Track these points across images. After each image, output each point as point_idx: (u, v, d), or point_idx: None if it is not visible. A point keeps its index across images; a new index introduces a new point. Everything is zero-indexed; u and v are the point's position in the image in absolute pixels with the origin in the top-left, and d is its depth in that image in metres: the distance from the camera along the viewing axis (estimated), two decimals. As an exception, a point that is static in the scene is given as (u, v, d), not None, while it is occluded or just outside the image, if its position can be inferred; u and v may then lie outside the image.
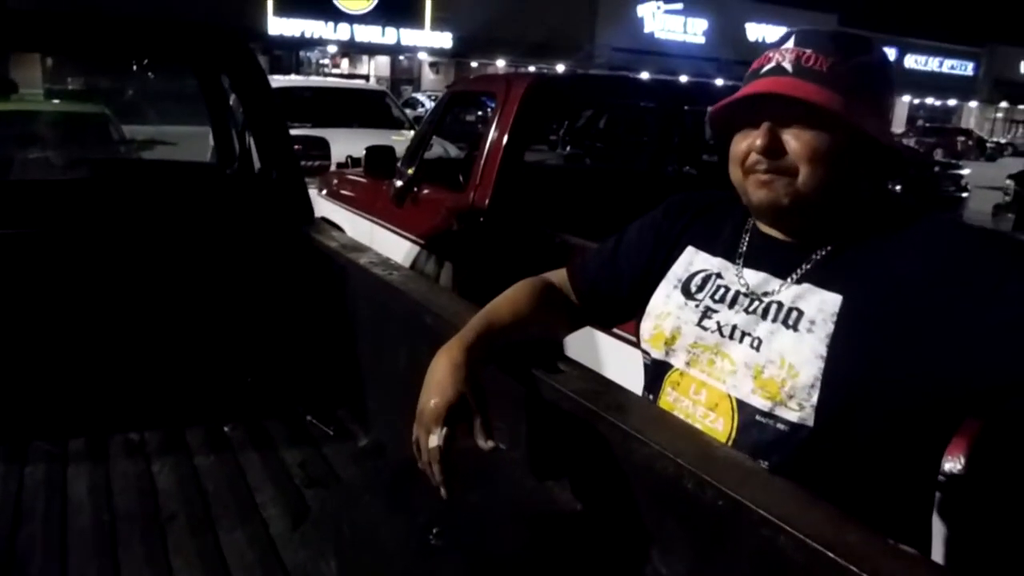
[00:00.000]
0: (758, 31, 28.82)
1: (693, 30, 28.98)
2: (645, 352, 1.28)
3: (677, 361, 1.21)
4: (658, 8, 28.11)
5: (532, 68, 22.19)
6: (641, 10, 27.88)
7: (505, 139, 3.27)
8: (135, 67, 20.89)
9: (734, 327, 1.15)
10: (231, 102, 3.62)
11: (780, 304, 1.12)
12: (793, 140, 1.08)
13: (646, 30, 28.03)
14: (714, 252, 1.24)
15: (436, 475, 1.17)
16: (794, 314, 1.10)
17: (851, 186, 1.11)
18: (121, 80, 20.97)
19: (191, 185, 3.07)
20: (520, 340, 1.35)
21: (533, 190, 3.36)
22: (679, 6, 28.16)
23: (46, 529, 1.97)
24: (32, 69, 18.01)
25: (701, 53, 27.78)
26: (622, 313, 1.41)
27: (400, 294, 1.91)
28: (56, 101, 11.66)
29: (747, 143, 1.12)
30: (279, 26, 22.01)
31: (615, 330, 2.13)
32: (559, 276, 1.44)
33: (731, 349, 1.14)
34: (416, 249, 3.80)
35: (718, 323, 1.17)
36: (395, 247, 3.93)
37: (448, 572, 1.37)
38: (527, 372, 1.34)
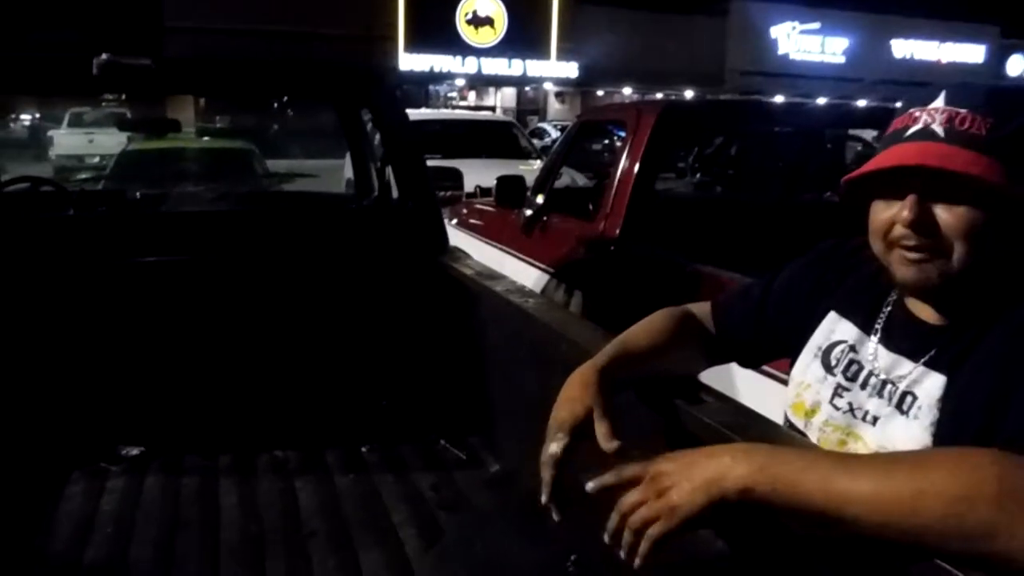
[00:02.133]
0: (905, 48, 26.76)
1: (832, 49, 27.50)
2: (786, 416, 1.25)
3: (811, 435, 1.17)
4: (793, 28, 26.95)
5: (659, 95, 22.06)
6: (775, 31, 26.77)
7: (636, 167, 3.26)
8: (275, 105, 22.19)
9: (866, 410, 1.10)
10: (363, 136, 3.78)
11: (900, 388, 1.06)
12: (946, 214, 0.98)
13: (780, 52, 26.87)
14: (854, 321, 1.17)
15: (545, 480, 1.16)
16: (908, 399, 1.04)
17: (1009, 261, 1.01)
18: (261, 117, 22.31)
19: (332, 216, 3.21)
20: (657, 369, 1.34)
21: (664, 219, 3.33)
22: (816, 25, 26.82)
23: (201, 538, 2.09)
24: (186, 109, 19.36)
25: (841, 73, 26.33)
26: (759, 357, 1.40)
27: (536, 322, 1.92)
28: (206, 138, 12.49)
29: (890, 213, 1.02)
30: (409, 62, 22.80)
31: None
32: (701, 309, 1.41)
33: (863, 431, 1.10)
34: (545, 278, 3.83)
35: (849, 404, 1.13)
36: (524, 276, 3.97)
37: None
38: (667, 402, 1.32)
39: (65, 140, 18.53)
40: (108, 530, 2.13)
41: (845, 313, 1.19)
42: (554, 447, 1.17)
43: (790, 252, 1.37)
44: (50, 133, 19.43)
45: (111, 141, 15.93)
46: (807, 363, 1.21)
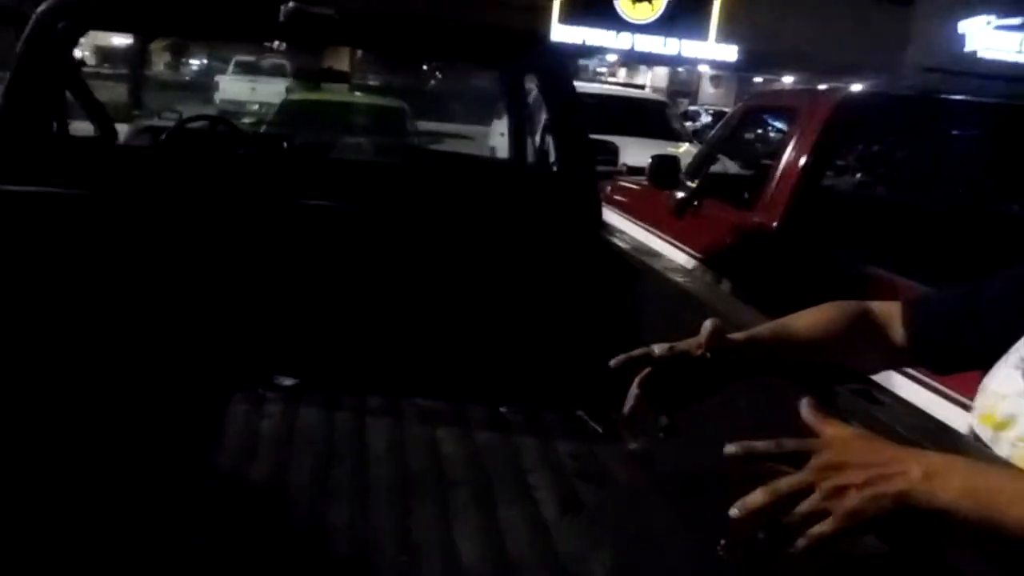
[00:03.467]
0: None
1: (1033, 48, 24.98)
2: (971, 427, 1.17)
3: (1000, 450, 1.08)
4: (987, 24, 24.63)
5: (823, 87, 20.95)
6: (963, 26, 24.49)
7: (804, 159, 3.15)
8: (424, 68, 22.51)
9: None
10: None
11: None
12: None
13: (967, 48, 24.65)
14: None
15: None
16: None
17: None
18: (410, 78, 22.79)
19: (494, 178, 3.26)
20: (814, 360, 1.28)
21: (828, 215, 3.20)
22: (1016, 21, 24.40)
23: (352, 473, 2.21)
24: (343, 64, 20.05)
25: (1042, 76, 23.96)
26: (955, 363, 1.29)
27: (698, 303, 1.90)
28: (358, 93, 12.83)
29: None
30: (562, 33, 22.64)
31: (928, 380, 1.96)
32: (883, 307, 1.32)
33: None
34: (692, 263, 3.77)
35: None
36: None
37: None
38: (832, 394, 1.27)
39: (230, 86, 19.56)
40: (268, 452, 2.28)
41: None
42: (656, 348, 1.26)
43: (973, 264, 1.28)
44: (216, 78, 20.53)
45: (271, 90, 16.75)
46: (1006, 373, 1.12)
